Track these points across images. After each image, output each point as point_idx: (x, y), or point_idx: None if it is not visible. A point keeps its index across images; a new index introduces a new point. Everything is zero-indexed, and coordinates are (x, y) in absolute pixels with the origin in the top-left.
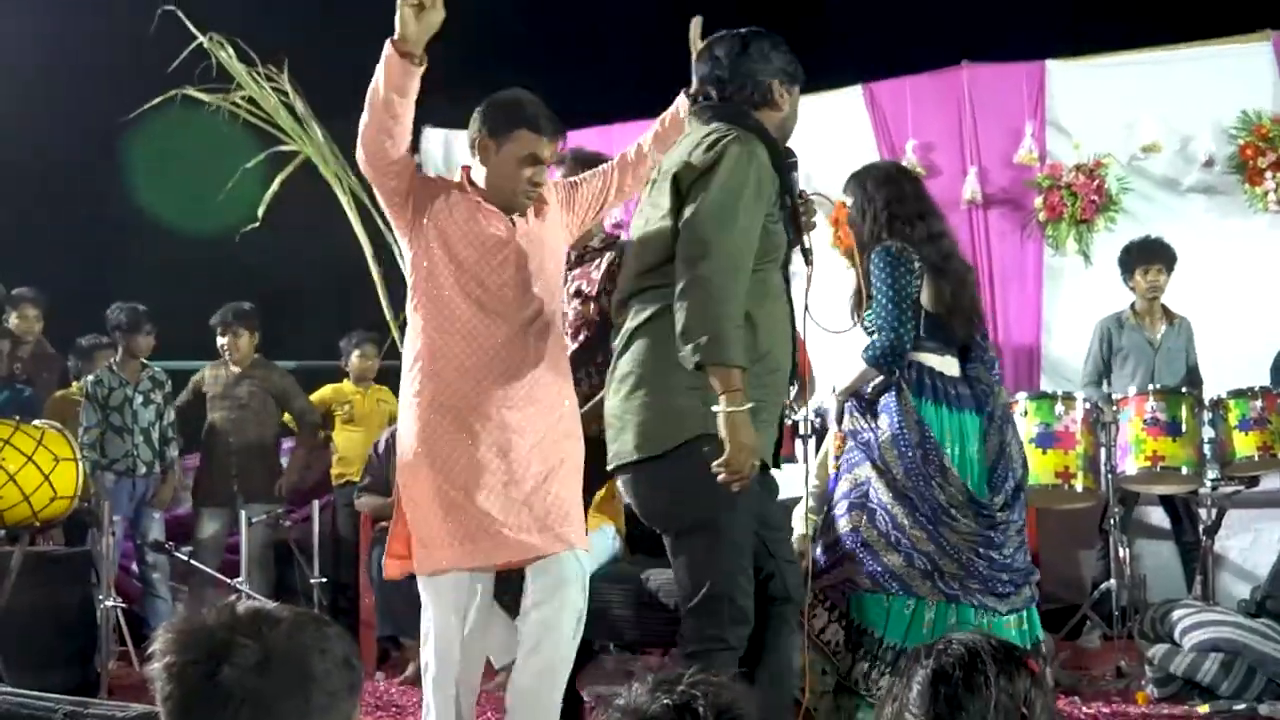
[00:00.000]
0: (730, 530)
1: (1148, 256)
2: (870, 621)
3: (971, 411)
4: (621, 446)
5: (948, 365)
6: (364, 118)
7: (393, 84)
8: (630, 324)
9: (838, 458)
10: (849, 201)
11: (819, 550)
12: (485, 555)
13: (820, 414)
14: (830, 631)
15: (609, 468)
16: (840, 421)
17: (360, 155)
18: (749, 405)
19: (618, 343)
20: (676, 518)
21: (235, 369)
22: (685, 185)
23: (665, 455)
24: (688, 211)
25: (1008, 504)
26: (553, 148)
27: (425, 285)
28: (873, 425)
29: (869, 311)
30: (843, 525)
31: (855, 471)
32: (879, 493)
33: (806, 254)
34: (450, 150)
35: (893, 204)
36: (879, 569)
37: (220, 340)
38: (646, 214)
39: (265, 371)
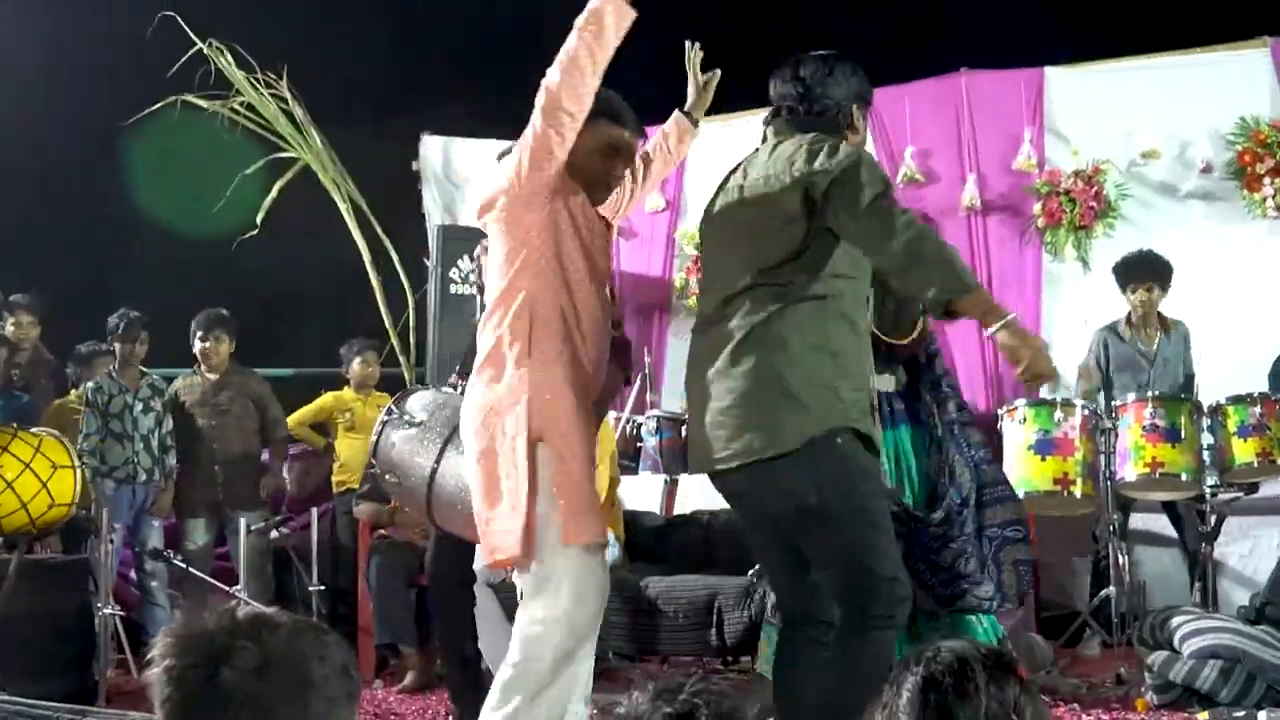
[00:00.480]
0: (878, 513)
1: (1139, 274)
2: None
3: (906, 425)
4: (744, 445)
5: (884, 383)
6: (572, 83)
7: (619, 37)
8: (742, 320)
9: None
10: None
11: None
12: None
13: None
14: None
15: (719, 466)
16: None
17: (560, 122)
18: (1011, 313)
19: (709, 333)
20: (820, 510)
21: (212, 376)
22: (823, 187)
23: (798, 451)
24: (847, 211)
25: (948, 519)
26: (634, 142)
27: (551, 267)
28: None
29: None
30: None
31: None
32: None
33: None
34: (449, 157)
35: None
36: None
37: (202, 346)
38: (748, 217)
39: (243, 378)
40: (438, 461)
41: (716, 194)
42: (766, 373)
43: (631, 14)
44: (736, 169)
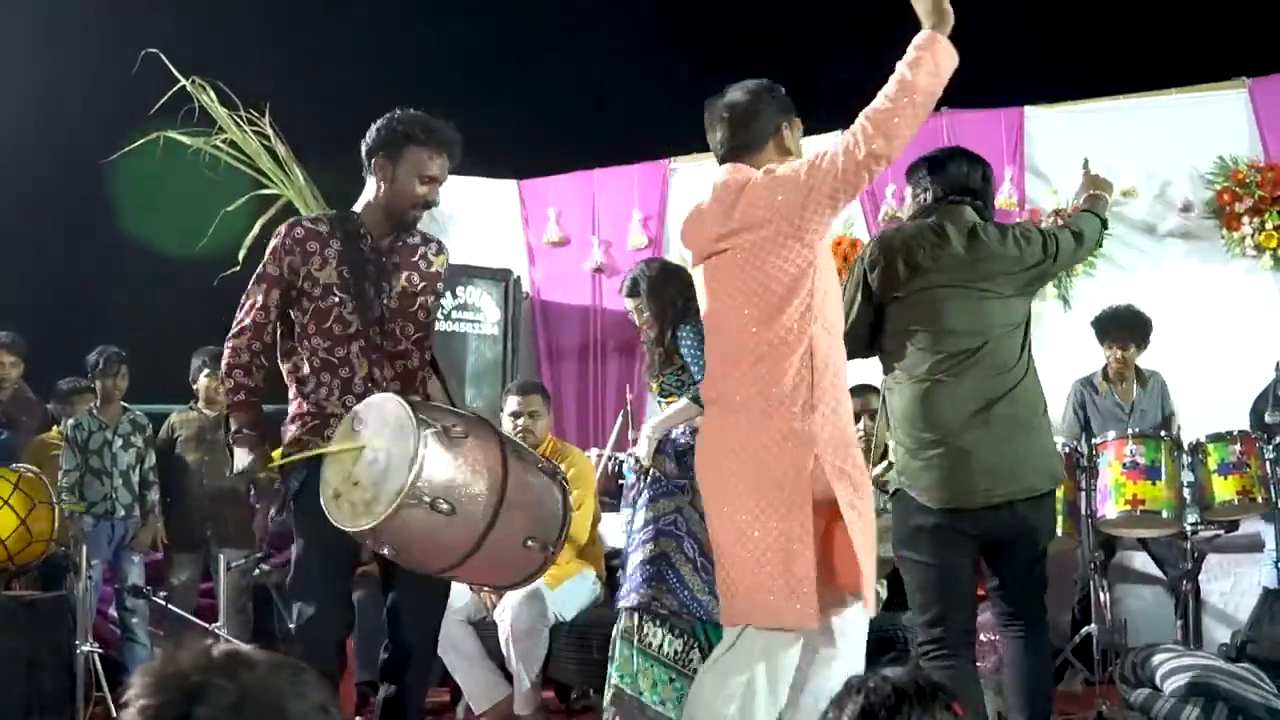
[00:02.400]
0: None
1: (1118, 336)
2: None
3: None
4: (1034, 481)
5: None
6: (906, 115)
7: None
8: (1024, 368)
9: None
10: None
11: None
12: None
13: None
14: (667, 644)
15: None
16: (646, 456)
17: (877, 166)
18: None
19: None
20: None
21: (210, 412)
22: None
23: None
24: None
25: None
26: None
27: (821, 311)
28: (685, 472)
29: (669, 373)
30: (649, 551)
31: (662, 503)
32: (688, 522)
33: None
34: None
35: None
36: (686, 594)
37: (207, 383)
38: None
39: None
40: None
41: (957, 240)
42: (1039, 420)
43: (955, 57)
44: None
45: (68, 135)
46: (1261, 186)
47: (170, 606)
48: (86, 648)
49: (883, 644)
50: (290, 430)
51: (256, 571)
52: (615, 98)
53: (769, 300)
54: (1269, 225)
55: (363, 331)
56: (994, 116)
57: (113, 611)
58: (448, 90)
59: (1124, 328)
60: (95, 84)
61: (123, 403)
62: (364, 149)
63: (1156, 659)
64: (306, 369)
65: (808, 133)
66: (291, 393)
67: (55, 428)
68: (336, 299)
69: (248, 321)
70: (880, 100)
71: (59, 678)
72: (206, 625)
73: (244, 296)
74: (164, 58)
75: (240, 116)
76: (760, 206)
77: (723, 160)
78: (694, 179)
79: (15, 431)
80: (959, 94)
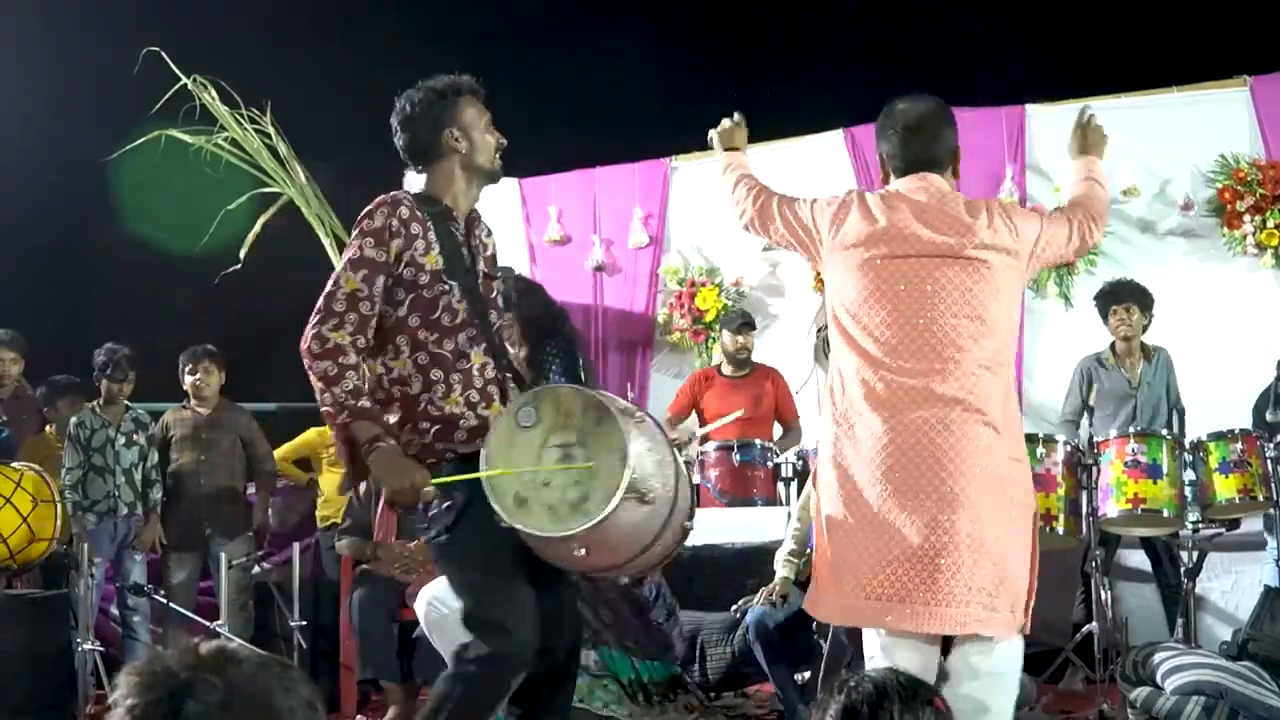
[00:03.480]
0: None
1: (1115, 297)
2: None
3: None
4: None
5: None
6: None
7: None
8: None
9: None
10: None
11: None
12: None
13: (802, 456)
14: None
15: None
16: None
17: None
18: None
19: None
20: None
21: (202, 410)
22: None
23: None
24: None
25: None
26: None
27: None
28: None
29: None
30: None
31: None
32: None
33: None
34: None
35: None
36: None
37: (191, 379)
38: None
39: (233, 414)
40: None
41: None
42: None
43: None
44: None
45: (69, 134)
46: (1263, 185)
47: (172, 605)
48: (88, 646)
49: None
50: (415, 440)
51: (257, 570)
52: (616, 96)
53: (986, 321)
54: (1270, 223)
55: (469, 320)
56: (995, 114)
57: (114, 610)
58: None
59: (1123, 288)
60: (96, 83)
61: (125, 401)
62: (417, 132)
63: (1157, 657)
64: (410, 368)
65: (806, 132)
66: (376, 397)
67: (49, 427)
68: (445, 287)
69: (353, 315)
70: (1097, 204)
71: (61, 676)
72: (208, 623)
73: (335, 283)
74: (165, 56)
75: (241, 115)
76: (1009, 233)
77: (904, 170)
78: (695, 177)
79: (15, 430)
80: (960, 92)
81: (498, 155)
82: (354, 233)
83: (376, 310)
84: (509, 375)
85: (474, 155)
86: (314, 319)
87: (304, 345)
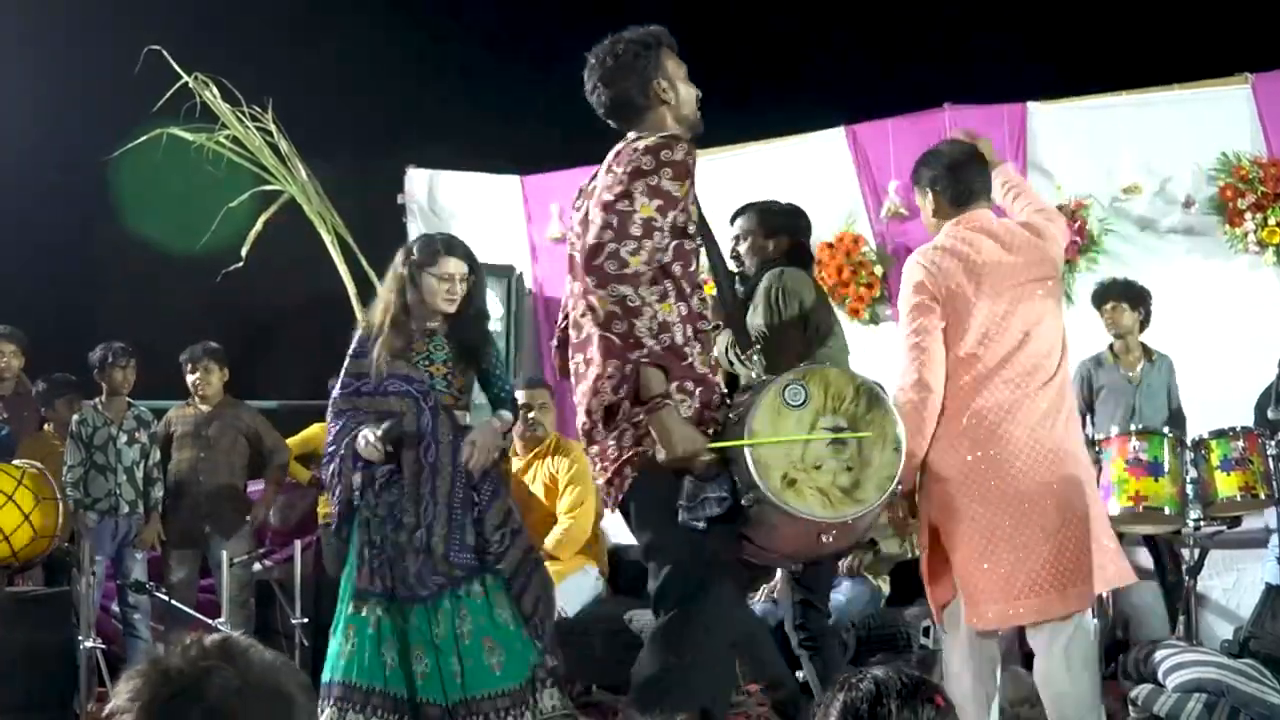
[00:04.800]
0: None
1: (1102, 297)
2: None
3: None
4: None
5: None
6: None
7: None
8: None
9: None
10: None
11: None
12: None
13: None
14: None
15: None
16: None
17: None
18: None
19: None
20: None
21: (204, 408)
22: None
23: None
24: None
25: None
26: None
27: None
28: None
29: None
30: None
31: None
32: None
33: None
34: (434, 190)
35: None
36: None
37: (191, 377)
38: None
39: (235, 411)
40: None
41: None
42: None
43: None
44: None
45: (70, 132)
46: (1264, 182)
47: (174, 603)
48: (89, 643)
49: (885, 642)
50: (686, 402)
51: (257, 567)
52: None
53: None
54: (1271, 221)
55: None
56: (996, 112)
57: (115, 607)
58: (450, 86)
59: (1107, 287)
60: (98, 81)
61: (128, 399)
62: (624, 85)
63: (1159, 655)
64: (675, 316)
65: (806, 130)
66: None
67: (47, 425)
68: (699, 242)
69: (647, 243)
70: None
71: (62, 673)
72: (209, 621)
73: (627, 202)
74: (166, 55)
75: (242, 112)
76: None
77: (970, 203)
78: (696, 175)
79: (16, 427)
80: (961, 89)
81: (698, 107)
82: (645, 159)
83: (666, 246)
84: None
85: (680, 106)
86: (605, 236)
87: (594, 262)
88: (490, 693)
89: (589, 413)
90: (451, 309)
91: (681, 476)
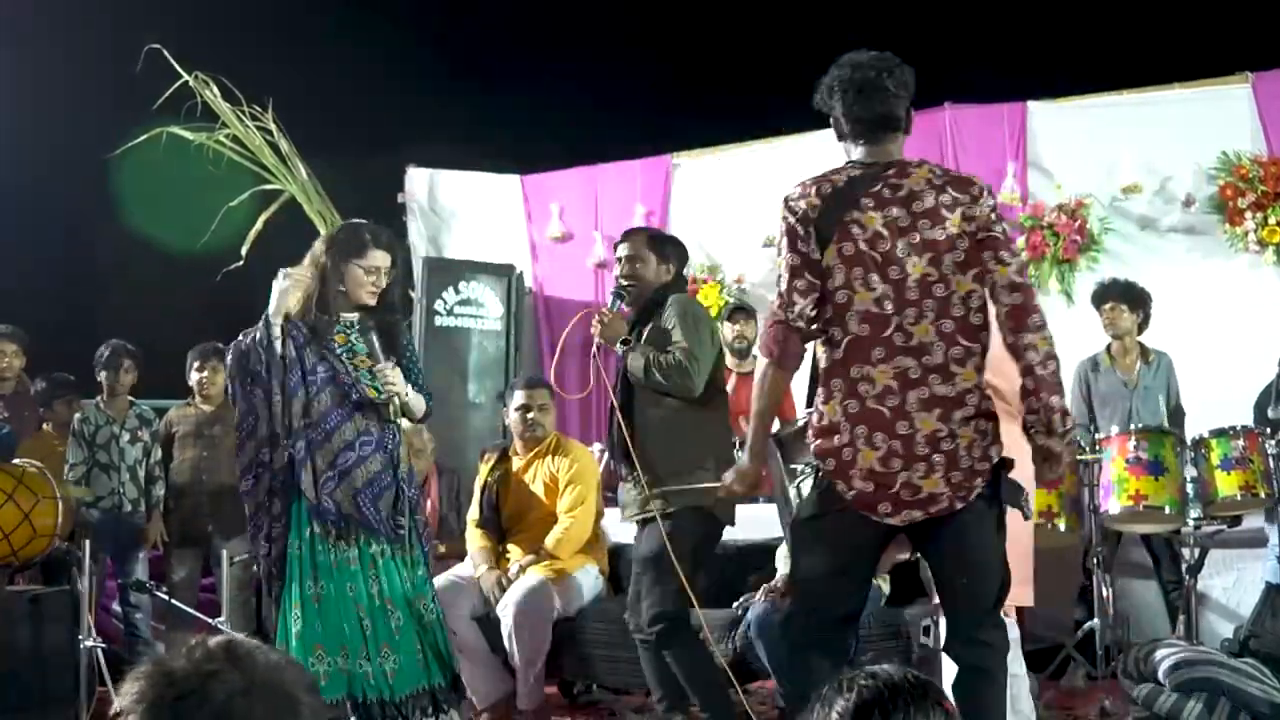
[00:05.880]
0: None
1: (1101, 298)
2: None
3: None
4: None
5: None
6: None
7: None
8: None
9: None
10: None
11: None
12: None
13: None
14: None
15: None
16: None
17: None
18: None
19: None
20: None
21: (206, 408)
22: None
23: None
24: None
25: None
26: None
27: None
28: None
29: None
30: None
31: None
32: None
33: None
34: (434, 190)
35: None
36: None
37: (198, 376)
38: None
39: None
40: None
41: None
42: None
43: None
44: None
45: (70, 132)
46: (1264, 182)
47: (174, 602)
48: (90, 643)
49: (884, 641)
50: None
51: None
52: (618, 93)
53: None
54: (1271, 220)
55: None
56: (997, 111)
57: (116, 606)
58: (451, 86)
59: (1111, 286)
60: (98, 80)
61: (129, 398)
62: (909, 104)
63: (1159, 654)
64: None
65: (808, 129)
66: None
67: (46, 425)
68: None
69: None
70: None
71: (62, 672)
72: (210, 620)
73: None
74: (166, 53)
75: (243, 111)
76: None
77: None
78: (697, 174)
79: (17, 426)
80: (962, 89)
81: None
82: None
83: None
84: None
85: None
86: (1009, 258)
87: (1027, 300)
88: None
89: (1050, 410)
90: (373, 301)
91: None
